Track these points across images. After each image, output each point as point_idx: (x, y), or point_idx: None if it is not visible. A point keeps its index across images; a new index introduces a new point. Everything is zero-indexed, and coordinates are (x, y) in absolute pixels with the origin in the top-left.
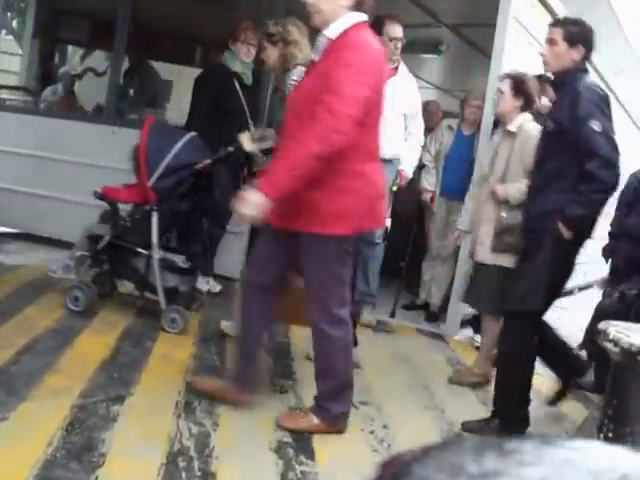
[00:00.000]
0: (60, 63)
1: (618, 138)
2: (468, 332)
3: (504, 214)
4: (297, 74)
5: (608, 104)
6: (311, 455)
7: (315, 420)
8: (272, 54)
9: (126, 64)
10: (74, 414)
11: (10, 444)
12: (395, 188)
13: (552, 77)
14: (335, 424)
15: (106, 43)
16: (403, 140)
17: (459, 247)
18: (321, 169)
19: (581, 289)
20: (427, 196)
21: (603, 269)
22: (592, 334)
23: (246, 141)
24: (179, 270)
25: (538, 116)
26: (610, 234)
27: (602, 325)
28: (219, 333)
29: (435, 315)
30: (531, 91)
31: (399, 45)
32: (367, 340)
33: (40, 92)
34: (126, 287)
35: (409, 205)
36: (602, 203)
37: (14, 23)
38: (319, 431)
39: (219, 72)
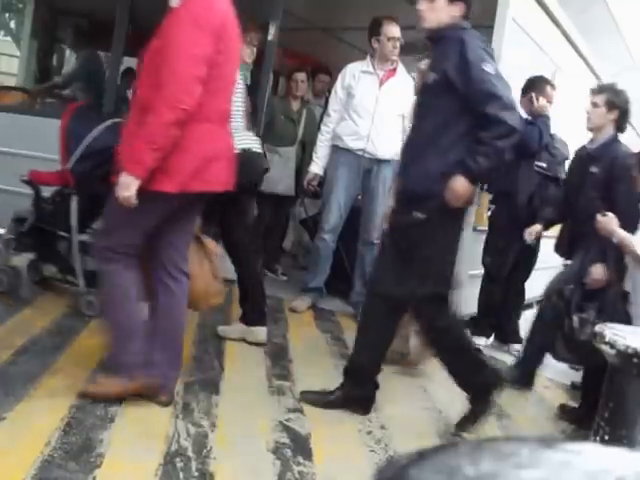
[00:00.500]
0: (58, 64)
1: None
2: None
3: None
4: None
5: (493, 57)
6: (309, 455)
7: (112, 379)
8: None
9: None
10: (72, 414)
11: (8, 444)
12: None
13: (429, 34)
14: (131, 380)
15: (104, 44)
16: (401, 141)
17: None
18: (179, 133)
19: None
20: None
21: None
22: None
23: None
24: None
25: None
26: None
27: (598, 328)
28: (217, 335)
29: None
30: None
31: (397, 45)
32: None
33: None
34: (50, 271)
35: None
36: (507, 151)
37: (12, 24)
38: (119, 391)
39: None
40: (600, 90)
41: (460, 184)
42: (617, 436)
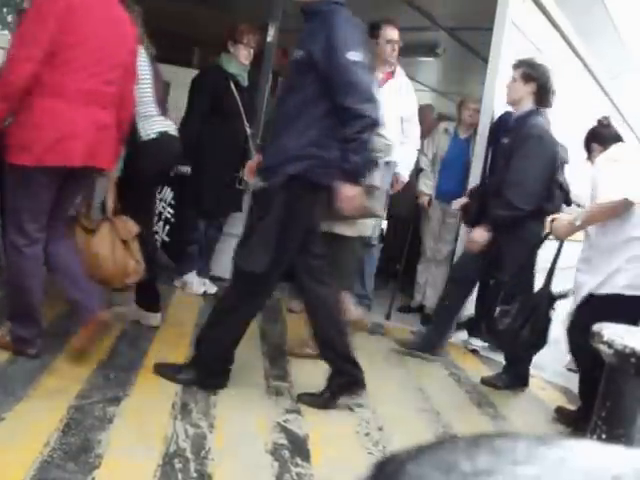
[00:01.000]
0: None
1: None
2: (463, 335)
3: None
4: None
5: (364, 33)
6: (306, 457)
7: (7, 337)
8: None
9: None
10: (71, 415)
11: (7, 445)
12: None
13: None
14: (18, 348)
15: None
16: (399, 144)
17: (454, 250)
18: (11, 107)
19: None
20: (425, 199)
21: None
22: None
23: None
24: None
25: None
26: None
27: (596, 327)
28: None
29: (430, 318)
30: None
31: (396, 47)
32: (362, 342)
33: None
34: None
35: (405, 208)
36: (371, 142)
37: (9, 18)
38: (7, 348)
39: (215, 74)
40: (518, 65)
41: (347, 189)
42: (615, 435)
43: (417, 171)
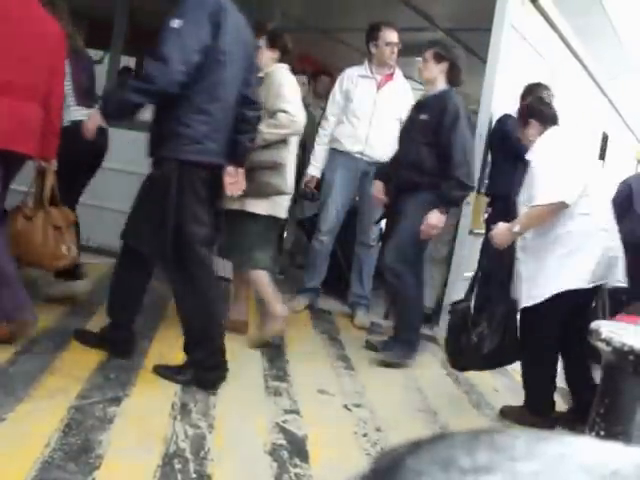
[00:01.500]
0: None
1: (615, 141)
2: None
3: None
4: None
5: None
6: (305, 458)
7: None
8: None
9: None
10: (71, 415)
11: (7, 445)
12: None
13: None
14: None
15: (103, 42)
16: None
17: (452, 250)
18: None
19: None
20: None
21: None
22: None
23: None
24: None
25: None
26: None
27: (594, 325)
28: None
29: (428, 317)
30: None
31: (395, 50)
32: (360, 342)
33: None
34: None
35: None
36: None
37: None
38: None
39: None
40: (429, 45)
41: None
42: (613, 432)
43: None
